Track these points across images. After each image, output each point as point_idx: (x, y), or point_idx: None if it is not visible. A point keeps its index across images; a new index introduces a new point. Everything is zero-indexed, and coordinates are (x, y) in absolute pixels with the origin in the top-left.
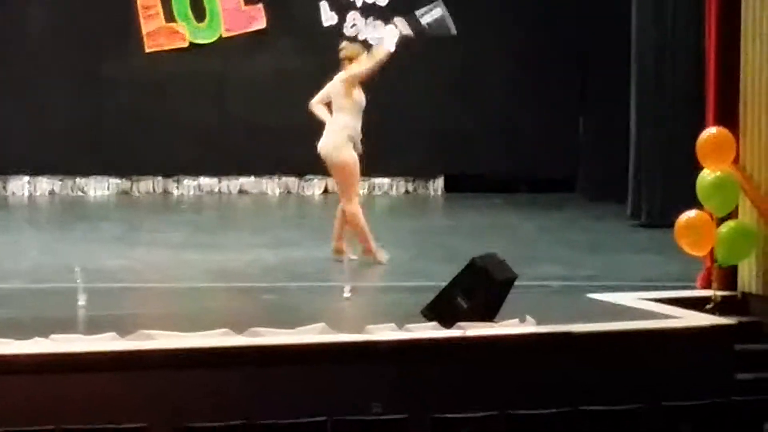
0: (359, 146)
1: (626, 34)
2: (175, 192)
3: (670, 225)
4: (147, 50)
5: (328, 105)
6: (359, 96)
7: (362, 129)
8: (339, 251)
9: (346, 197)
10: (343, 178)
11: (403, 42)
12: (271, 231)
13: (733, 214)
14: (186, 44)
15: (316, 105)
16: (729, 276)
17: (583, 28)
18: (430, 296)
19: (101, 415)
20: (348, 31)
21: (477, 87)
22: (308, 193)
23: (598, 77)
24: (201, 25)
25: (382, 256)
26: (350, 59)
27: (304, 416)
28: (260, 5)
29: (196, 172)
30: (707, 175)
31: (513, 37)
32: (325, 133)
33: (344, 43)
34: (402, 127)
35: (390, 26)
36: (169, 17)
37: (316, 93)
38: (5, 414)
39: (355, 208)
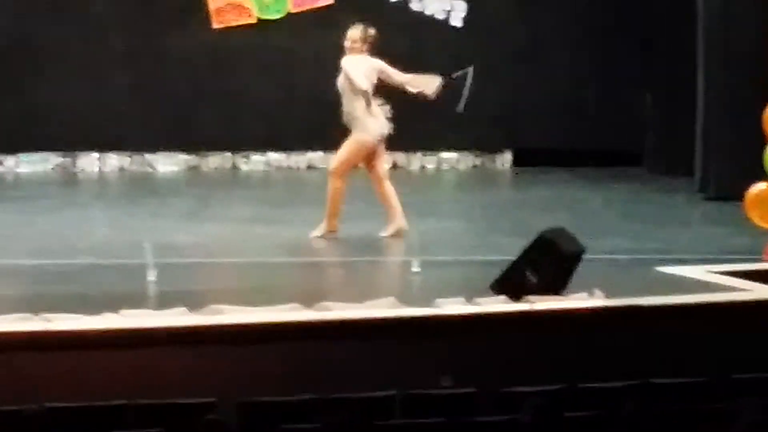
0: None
1: (692, 3)
2: (244, 167)
3: (740, 198)
4: (215, 26)
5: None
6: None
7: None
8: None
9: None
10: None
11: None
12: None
13: None
14: (254, 20)
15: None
16: None
17: None
18: (499, 270)
19: (170, 390)
20: (414, 6)
21: (543, 60)
22: None
23: (663, 49)
24: (268, 1)
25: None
26: (354, 42)
27: (373, 390)
28: None
29: (264, 147)
30: None
31: (578, 8)
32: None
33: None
34: (469, 102)
35: (436, 78)
36: None
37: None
38: (77, 389)
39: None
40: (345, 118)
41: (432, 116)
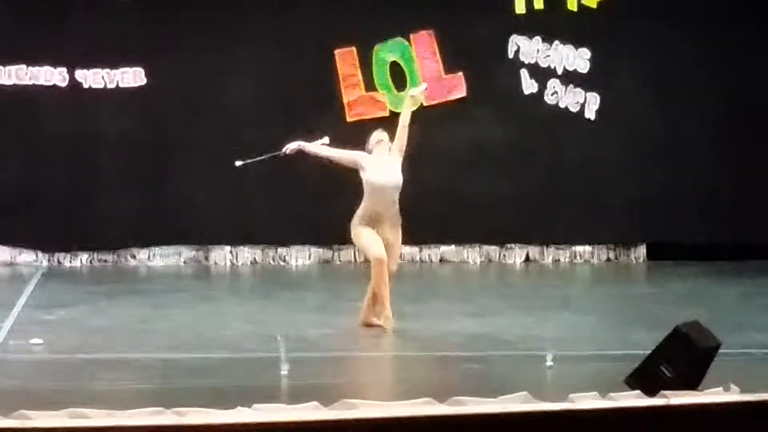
0: None
1: None
2: None
3: None
4: (348, 119)
5: None
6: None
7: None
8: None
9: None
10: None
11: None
12: (473, 299)
13: None
14: (386, 113)
15: None
16: None
17: None
18: (634, 364)
19: None
20: (548, 98)
21: (678, 153)
22: (509, 261)
23: None
24: (401, 94)
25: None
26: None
27: None
28: (460, 74)
29: None
30: None
31: (712, 101)
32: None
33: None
34: (603, 195)
35: None
36: (370, 86)
37: (515, 162)
38: None
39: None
40: (394, 213)
41: (566, 210)
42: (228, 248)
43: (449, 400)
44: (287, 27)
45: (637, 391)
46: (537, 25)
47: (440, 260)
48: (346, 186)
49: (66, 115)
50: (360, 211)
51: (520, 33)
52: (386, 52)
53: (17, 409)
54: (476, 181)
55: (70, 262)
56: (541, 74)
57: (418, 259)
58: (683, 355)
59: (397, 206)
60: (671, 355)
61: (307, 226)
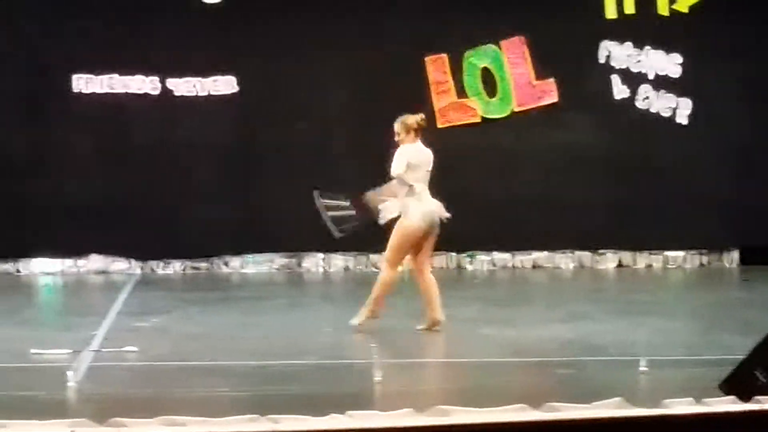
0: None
1: None
2: (469, 267)
3: None
4: (439, 125)
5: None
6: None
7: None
8: (436, 322)
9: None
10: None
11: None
12: (566, 305)
13: None
14: (478, 119)
15: None
16: None
17: None
18: (727, 370)
19: None
20: (640, 104)
21: None
22: (602, 267)
23: None
24: (493, 100)
25: (359, 320)
26: (398, 134)
27: None
28: (552, 79)
29: (488, 247)
30: None
31: None
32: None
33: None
34: (696, 200)
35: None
36: (461, 93)
37: (608, 167)
38: None
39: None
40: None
41: (658, 215)
42: (320, 255)
43: (543, 405)
44: (378, 34)
45: (732, 397)
46: (628, 30)
47: (533, 266)
48: (436, 192)
49: (158, 123)
50: None
51: (611, 38)
52: (477, 59)
53: (111, 416)
54: (568, 187)
55: (163, 269)
56: (633, 79)
57: (510, 265)
58: None
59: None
60: (765, 359)
61: None
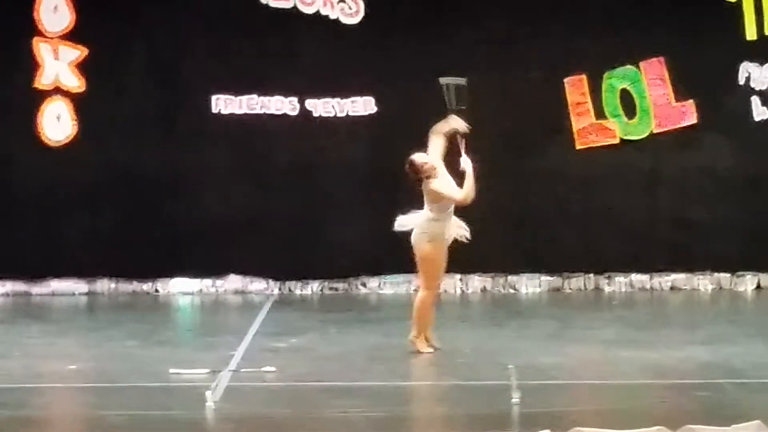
0: None
1: None
2: (606, 288)
3: None
4: (578, 147)
5: None
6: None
7: None
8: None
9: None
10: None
11: None
12: (704, 327)
13: None
14: (617, 141)
15: None
16: None
17: None
18: None
19: None
20: None
21: None
22: (741, 289)
23: None
24: (632, 121)
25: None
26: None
27: None
28: (691, 101)
29: (627, 268)
30: None
31: None
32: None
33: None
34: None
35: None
36: (600, 114)
37: (747, 189)
38: None
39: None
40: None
41: None
42: (458, 276)
43: (682, 428)
44: (516, 55)
45: None
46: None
47: (671, 288)
48: (573, 215)
49: (296, 144)
50: None
51: (751, 60)
52: (616, 80)
53: None
54: (707, 208)
55: (301, 290)
56: None
57: (648, 286)
58: None
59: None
60: None
61: (536, 253)
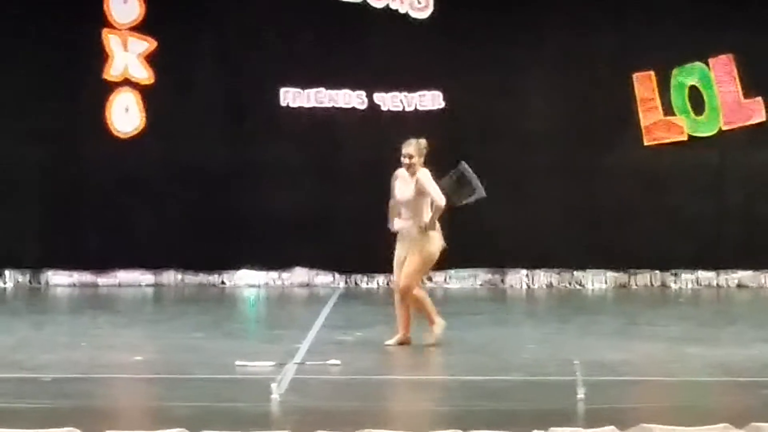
0: None
1: None
2: (673, 285)
3: None
4: (645, 143)
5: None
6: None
7: None
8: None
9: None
10: None
11: None
12: None
13: None
14: (684, 137)
15: None
16: None
17: None
18: None
19: None
20: None
21: None
22: None
23: None
24: (700, 118)
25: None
26: (410, 156)
27: None
28: (759, 98)
29: (694, 265)
30: None
31: None
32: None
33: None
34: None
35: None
36: (668, 111)
37: None
38: None
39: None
40: (402, 230)
41: None
42: (524, 271)
43: (748, 426)
44: (585, 50)
45: None
46: None
47: (738, 285)
48: (642, 210)
49: (364, 138)
50: None
51: None
52: (685, 76)
53: (316, 428)
54: None
55: (367, 283)
56: None
57: (715, 284)
58: None
59: (411, 222)
60: None
61: (603, 249)
